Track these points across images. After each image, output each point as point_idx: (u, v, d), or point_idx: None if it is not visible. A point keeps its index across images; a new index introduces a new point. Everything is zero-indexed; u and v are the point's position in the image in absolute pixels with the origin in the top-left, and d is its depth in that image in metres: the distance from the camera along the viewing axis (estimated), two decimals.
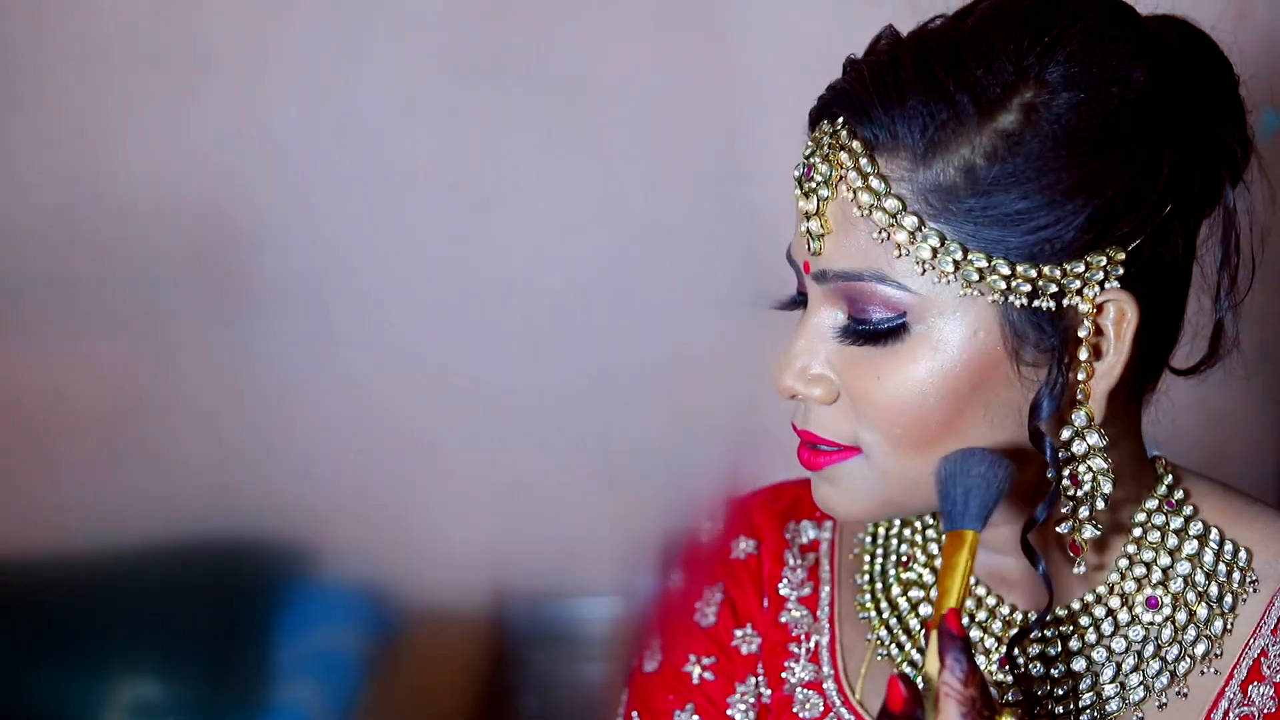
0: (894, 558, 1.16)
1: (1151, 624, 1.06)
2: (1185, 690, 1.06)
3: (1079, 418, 1.00)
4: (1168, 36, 1.02)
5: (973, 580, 1.11)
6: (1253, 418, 1.76)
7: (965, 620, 1.10)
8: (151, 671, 1.81)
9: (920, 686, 0.95)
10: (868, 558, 1.17)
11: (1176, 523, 1.08)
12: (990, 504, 0.98)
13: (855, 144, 0.99)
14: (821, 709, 1.14)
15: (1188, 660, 1.06)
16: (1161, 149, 0.98)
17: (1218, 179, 1.03)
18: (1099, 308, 0.98)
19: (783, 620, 1.18)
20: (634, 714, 1.21)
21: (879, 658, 1.14)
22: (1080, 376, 0.99)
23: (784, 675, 1.17)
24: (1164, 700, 1.06)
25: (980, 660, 1.09)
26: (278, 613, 1.81)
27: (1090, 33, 0.98)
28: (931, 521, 1.15)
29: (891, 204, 0.97)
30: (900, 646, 1.12)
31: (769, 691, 1.17)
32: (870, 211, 0.98)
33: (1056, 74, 0.97)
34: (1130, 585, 1.07)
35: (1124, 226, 0.98)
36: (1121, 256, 0.98)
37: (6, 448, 1.79)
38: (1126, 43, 0.98)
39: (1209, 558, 1.07)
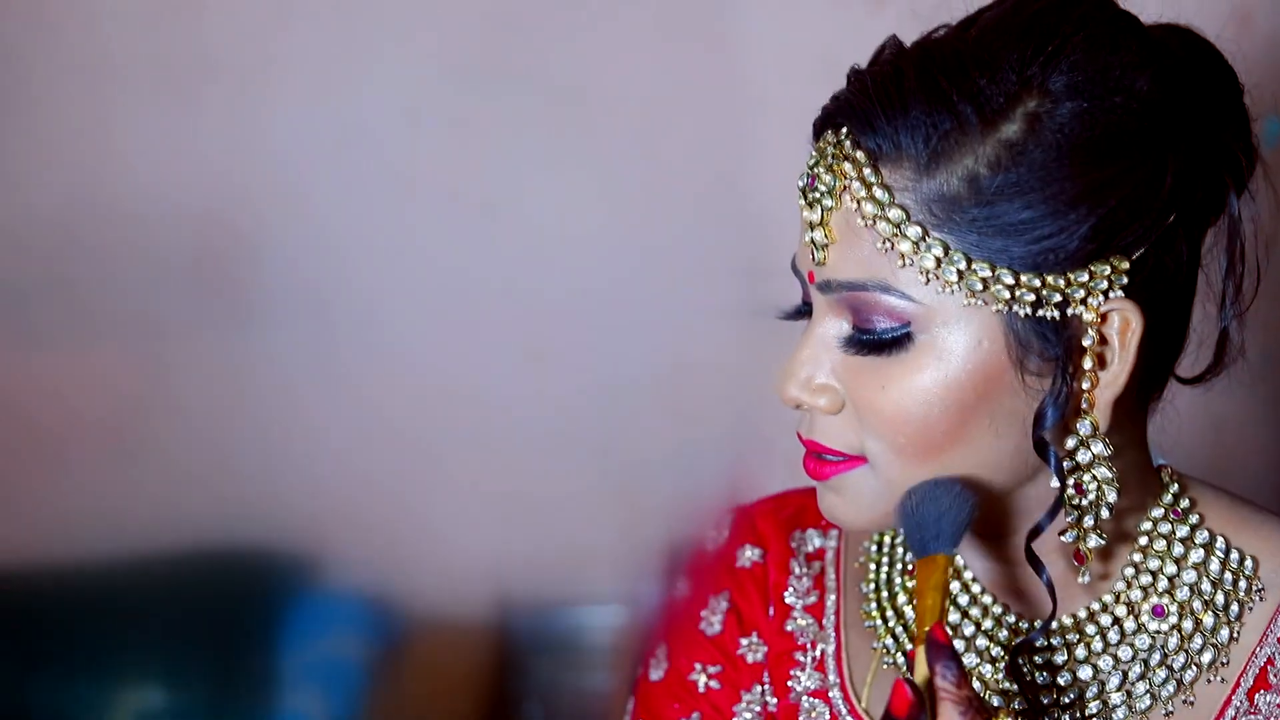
0: (899, 566, 1.16)
1: (1158, 632, 1.06)
2: (1192, 699, 1.06)
3: (1084, 427, 1.00)
4: (1171, 45, 1.02)
5: (979, 589, 1.11)
6: (1258, 425, 1.75)
7: (971, 629, 1.10)
8: (155, 679, 1.81)
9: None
10: (873, 566, 1.17)
11: (1182, 531, 1.08)
12: (960, 529, 0.99)
13: (859, 154, 0.99)
14: (828, 717, 1.14)
15: (1194, 669, 1.06)
16: (1165, 158, 0.98)
17: (1222, 187, 1.03)
18: (1103, 317, 0.98)
19: (788, 629, 1.18)
20: None
21: (885, 665, 1.13)
22: (1085, 385, 0.99)
23: (790, 684, 1.16)
24: (1170, 709, 1.06)
25: (987, 669, 1.09)
26: (281, 621, 1.81)
27: (1093, 41, 0.98)
28: None
29: (895, 214, 0.97)
30: (906, 654, 1.12)
31: (775, 700, 1.17)
32: (874, 222, 0.98)
33: (1060, 83, 0.96)
34: (1136, 594, 1.07)
35: (1128, 235, 0.97)
36: (1125, 266, 0.98)
37: (8, 451, 1.79)
38: (1130, 51, 0.98)
39: (1215, 566, 1.07)
